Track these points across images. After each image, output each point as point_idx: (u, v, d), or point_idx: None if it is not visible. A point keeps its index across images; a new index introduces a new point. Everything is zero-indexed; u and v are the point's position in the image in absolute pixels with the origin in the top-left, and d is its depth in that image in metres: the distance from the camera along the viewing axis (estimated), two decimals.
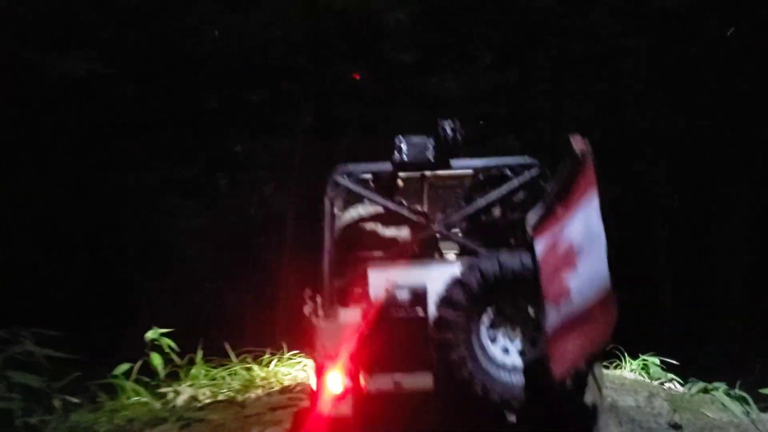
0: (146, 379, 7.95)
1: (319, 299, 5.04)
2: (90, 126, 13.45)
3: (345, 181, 5.35)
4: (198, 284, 13.88)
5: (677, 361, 8.57)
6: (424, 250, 5.36)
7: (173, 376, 8.07)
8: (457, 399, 4.55)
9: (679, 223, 18.74)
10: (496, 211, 5.51)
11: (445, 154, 5.36)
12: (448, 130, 5.18)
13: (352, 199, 5.66)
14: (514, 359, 4.57)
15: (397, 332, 4.71)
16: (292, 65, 16.30)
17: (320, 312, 4.95)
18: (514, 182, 5.35)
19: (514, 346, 4.60)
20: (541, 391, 4.41)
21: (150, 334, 7.93)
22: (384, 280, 4.86)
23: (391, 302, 4.79)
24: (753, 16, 16.88)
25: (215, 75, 15.22)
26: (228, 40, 15.16)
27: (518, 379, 4.48)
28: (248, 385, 8.09)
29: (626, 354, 8.79)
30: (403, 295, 4.80)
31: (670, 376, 8.25)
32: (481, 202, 5.40)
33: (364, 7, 16.14)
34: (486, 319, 4.62)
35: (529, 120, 18.83)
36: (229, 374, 8.37)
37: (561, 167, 4.48)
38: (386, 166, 5.40)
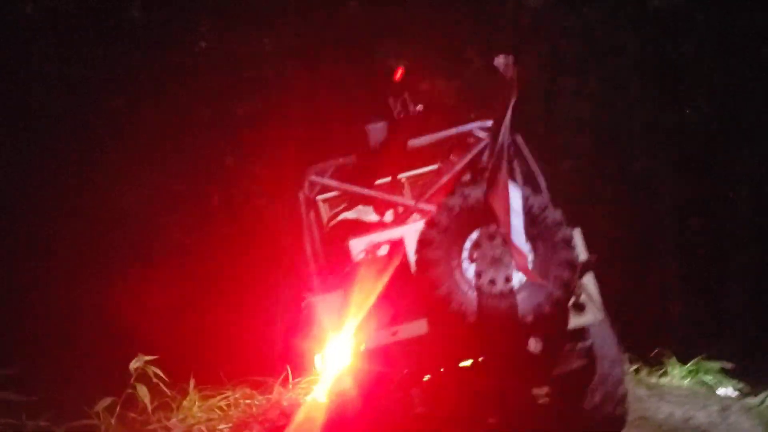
0: (133, 415, 6.67)
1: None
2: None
3: (320, 179, 5.54)
4: (190, 304, 12.45)
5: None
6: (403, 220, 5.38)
7: (164, 408, 6.73)
8: (449, 334, 4.60)
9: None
10: (468, 176, 5.41)
11: (403, 131, 5.41)
12: (401, 108, 5.21)
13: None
14: (496, 285, 4.49)
15: (383, 284, 4.73)
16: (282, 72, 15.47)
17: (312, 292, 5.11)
18: (482, 144, 5.28)
19: (494, 273, 4.48)
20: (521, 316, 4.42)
21: (135, 363, 6.66)
22: (364, 244, 4.92)
23: (372, 259, 4.83)
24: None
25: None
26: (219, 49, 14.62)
27: (500, 303, 4.44)
28: (248, 417, 6.73)
29: (674, 358, 7.50)
30: (383, 250, 4.87)
31: (730, 383, 6.98)
32: (453, 169, 5.38)
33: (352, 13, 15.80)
34: (468, 245, 4.56)
35: (523, 122, 17.71)
36: (227, 405, 7.02)
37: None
38: (355, 157, 5.52)
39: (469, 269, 4.51)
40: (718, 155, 17.36)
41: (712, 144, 17.36)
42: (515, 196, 4.32)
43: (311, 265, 5.30)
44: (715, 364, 7.34)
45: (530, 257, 4.45)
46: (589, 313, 4.69)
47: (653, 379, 7.25)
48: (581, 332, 4.80)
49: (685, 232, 17.81)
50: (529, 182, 5.11)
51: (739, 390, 6.99)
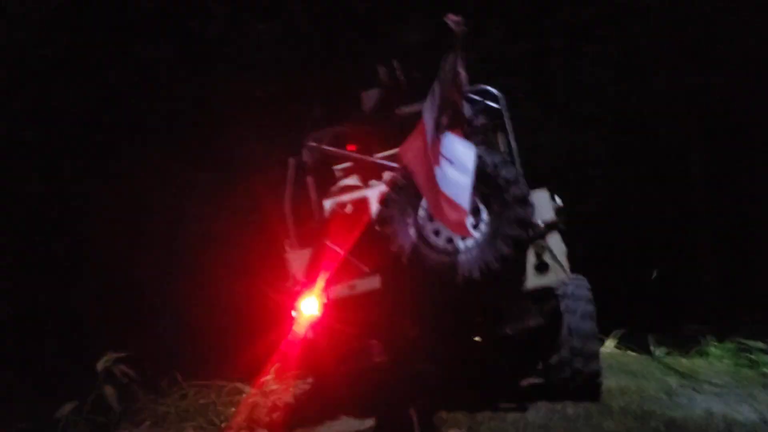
0: (100, 419, 5.76)
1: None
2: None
3: (317, 145, 5.58)
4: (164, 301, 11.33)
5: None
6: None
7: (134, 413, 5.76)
8: (403, 289, 4.65)
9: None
10: None
11: (394, 99, 5.40)
12: (390, 76, 5.25)
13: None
14: (450, 243, 4.51)
15: (347, 240, 4.85)
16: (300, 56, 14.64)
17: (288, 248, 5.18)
18: (469, 110, 5.26)
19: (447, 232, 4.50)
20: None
21: (103, 363, 5.73)
22: (333, 204, 5.11)
23: (339, 216, 5.00)
24: None
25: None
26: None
27: (449, 259, 4.45)
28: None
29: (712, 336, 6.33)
30: (348, 208, 5.00)
31: None
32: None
33: None
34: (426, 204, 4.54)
35: (547, 89, 16.99)
36: (203, 407, 5.97)
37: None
38: (350, 124, 5.51)
39: (427, 227, 4.52)
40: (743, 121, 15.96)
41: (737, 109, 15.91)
42: (467, 153, 4.25)
43: (288, 223, 5.37)
44: (757, 343, 6.18)
45: (484, 214, 4.51)
46: (552, 273, 4.71)
47: (686, 363, 6.07)
48: (544, 292, 4.78)
49: (716, 200, 16.41)
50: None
51: None
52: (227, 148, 13.46)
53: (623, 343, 6.87)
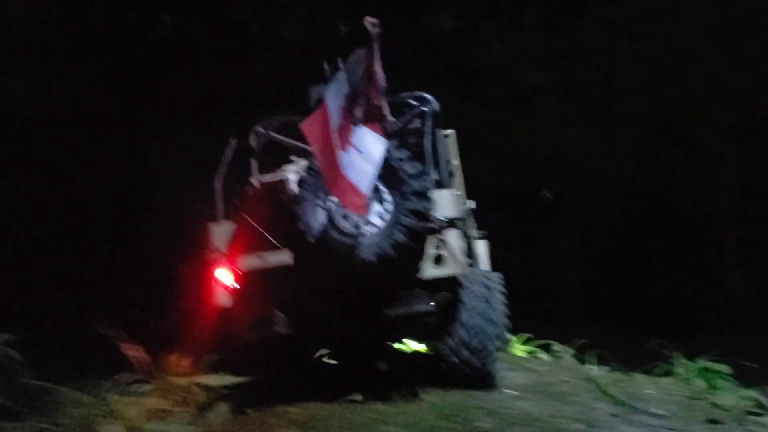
0: None
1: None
2: None
3: (262, 131, 5.73)
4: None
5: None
6: None
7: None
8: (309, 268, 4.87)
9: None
10: None
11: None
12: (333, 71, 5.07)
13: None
14: (352, 228, 4.73)
15: (264, 217, 5.11)
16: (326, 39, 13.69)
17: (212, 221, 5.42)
18: (407, 116, 5.52)
19: (356, 218, 4.71)
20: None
21: None
22: (257, 182, 5.47)
23: (258, 194, 5.33)
24: None
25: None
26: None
27: (348, 242, 4.69)
28: None
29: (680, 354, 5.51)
30: (269, 187, 5.28)
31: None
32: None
33: None
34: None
35: (580, 84, 16.14)
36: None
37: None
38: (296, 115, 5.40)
39: (337, 211, 4.71)
40: None
41: None
42: (377, 146, 4.58)
43: (217, 199, 5.52)
44: (722, 366, 5.31)
45: (388, 203, 4.76)
46: (448, 266, 4.93)
47: (633, 385, 5.29)
48: (438, 282, 4.98)
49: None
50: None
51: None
52: None
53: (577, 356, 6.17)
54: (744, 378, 5.39)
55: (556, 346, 6.87)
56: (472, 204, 6.33)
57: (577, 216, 16.38)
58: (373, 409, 4.75)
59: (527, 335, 7.02)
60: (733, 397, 4.92)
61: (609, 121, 15.87)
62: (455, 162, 6.04)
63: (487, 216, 7.35)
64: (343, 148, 4.46)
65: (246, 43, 13.04)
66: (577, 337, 6.70)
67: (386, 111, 5.02)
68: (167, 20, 12.43)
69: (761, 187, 14.81)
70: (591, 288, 15.09)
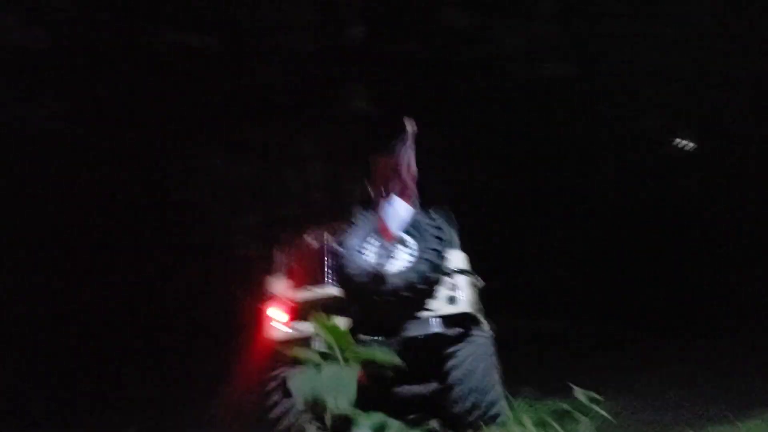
0: None
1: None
2: None
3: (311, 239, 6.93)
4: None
5: None
6: None
7: None
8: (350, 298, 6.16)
9: None
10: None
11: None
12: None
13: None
14: (384, 266, 5.99)
15: (310, 260, 6.53)
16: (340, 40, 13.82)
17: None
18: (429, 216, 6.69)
19: (387, 259, 6.01)
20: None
21: None
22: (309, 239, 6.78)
23: (305, 245, 6.70)
24: None
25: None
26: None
27: (384, 278, 5.93)
28: None
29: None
30: (311, 240, 6.70)
31: None
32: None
33: None
34: (372, 239, 6.28)
35: (598, 74, 15.67)
36: None
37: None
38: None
39: (371, 256, 6.10)
40: None
41: None
42: (406, 210, 5.94)
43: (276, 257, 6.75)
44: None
45: (414, 251, 6.07)
46: (459, 305, 6.02)
47: None
48: (452, 318, 6.02)
49: None
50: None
51: None
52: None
53: None
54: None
55: (574, 413, 5.46)
56: (479, 282, 6.86)
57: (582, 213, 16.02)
58: None
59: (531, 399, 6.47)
60: None
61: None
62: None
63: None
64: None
65: (255, 54, 13.11)
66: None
67: (414, 194, 6.11)
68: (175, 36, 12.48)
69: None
70: (591, 288, 14.81)
